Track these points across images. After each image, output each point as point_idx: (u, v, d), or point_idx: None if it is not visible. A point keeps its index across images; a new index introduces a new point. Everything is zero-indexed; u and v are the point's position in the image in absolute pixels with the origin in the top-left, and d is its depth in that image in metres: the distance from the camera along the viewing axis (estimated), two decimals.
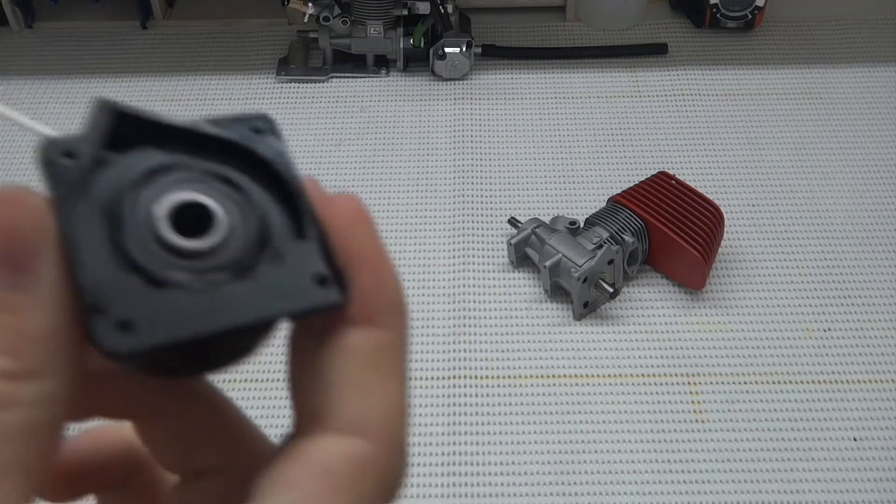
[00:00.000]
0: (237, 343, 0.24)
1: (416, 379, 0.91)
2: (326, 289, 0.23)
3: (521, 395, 0.90)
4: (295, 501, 0.21)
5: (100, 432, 0.27)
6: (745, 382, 0.90)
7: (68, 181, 0.22)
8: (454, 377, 0.91)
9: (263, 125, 0.25)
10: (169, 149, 0.24)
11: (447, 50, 1.23)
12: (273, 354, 0.25)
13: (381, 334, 0.23)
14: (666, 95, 1.23)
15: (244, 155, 0.24)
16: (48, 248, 0.21)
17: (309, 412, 0.23)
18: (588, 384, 0.90)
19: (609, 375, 0.91)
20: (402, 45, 1.25)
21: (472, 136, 1.18)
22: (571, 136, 1.18)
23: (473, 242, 1.04)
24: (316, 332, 0.23)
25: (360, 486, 0.22)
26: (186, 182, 0.23)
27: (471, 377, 0.91)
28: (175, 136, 0.24)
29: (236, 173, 0.24)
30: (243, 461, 0.26)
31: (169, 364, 0.24)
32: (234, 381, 0.89)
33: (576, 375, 0.91)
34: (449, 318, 0.97)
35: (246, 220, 0.23)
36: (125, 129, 0.24)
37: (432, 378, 0.91)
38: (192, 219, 0.23)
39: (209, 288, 0.22)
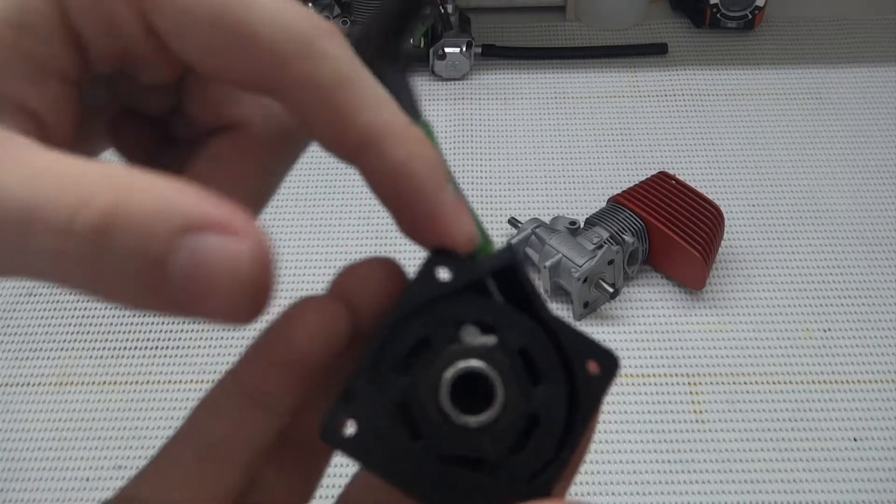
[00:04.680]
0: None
1: None
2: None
3: None
4: None
5: None
6: (745, 382, 0.90)
7: (418, 299, 0.26)
8: None
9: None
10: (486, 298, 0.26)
11: (447, 50, 1.23)
12: None
13: None
14: (666, 95, 1.23)
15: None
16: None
17: None
18: None
19: None
20: None
21: (472, 136, 1.18)
22: (571, 136, 1.18)
23: None
24: None
25: None
26: (485, 348, 0.25)
27: None
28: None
29: (542, 353, 0.26)
30: None
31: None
32: None
33: None
34: None
35: (518, 411, 0.25)
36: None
37: None
38: (473, 382, 0.25)
39: (450, 459, 0.24)
